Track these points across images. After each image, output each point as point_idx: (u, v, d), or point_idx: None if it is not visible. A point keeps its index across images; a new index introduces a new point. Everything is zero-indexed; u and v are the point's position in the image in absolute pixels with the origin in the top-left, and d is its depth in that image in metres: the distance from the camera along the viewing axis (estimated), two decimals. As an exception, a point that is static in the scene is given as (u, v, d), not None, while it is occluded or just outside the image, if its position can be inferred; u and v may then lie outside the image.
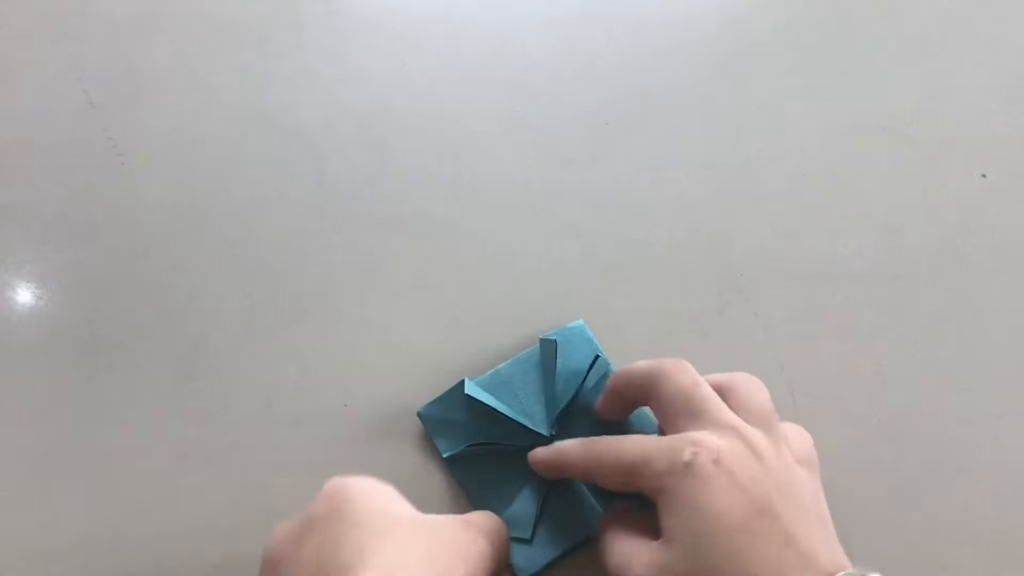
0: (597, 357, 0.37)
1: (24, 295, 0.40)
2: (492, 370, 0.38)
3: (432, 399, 0.37)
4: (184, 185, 0.42)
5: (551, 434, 0.36)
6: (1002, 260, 0.41)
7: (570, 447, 0.33)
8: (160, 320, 0.39)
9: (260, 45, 0.47)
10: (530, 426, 0.36)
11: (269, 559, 0.27)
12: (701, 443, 0.28)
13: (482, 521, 0.29)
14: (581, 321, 0.39)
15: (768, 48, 0.47)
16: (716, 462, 0.28)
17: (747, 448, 0.29)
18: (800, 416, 0.37)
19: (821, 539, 0.27)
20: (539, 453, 0.34)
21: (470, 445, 0.36)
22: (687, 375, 0.31)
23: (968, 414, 0.37)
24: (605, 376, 0.37)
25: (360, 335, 0.39)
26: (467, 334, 0.39)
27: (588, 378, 0.36)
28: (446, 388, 0.37)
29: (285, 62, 0.46)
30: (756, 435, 0.29)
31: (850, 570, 0.26)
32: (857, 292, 0.40)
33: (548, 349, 0.37)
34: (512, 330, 0.39)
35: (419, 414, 0.37)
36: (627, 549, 0.30)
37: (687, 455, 0.28)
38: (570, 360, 0.37)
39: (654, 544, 0.29)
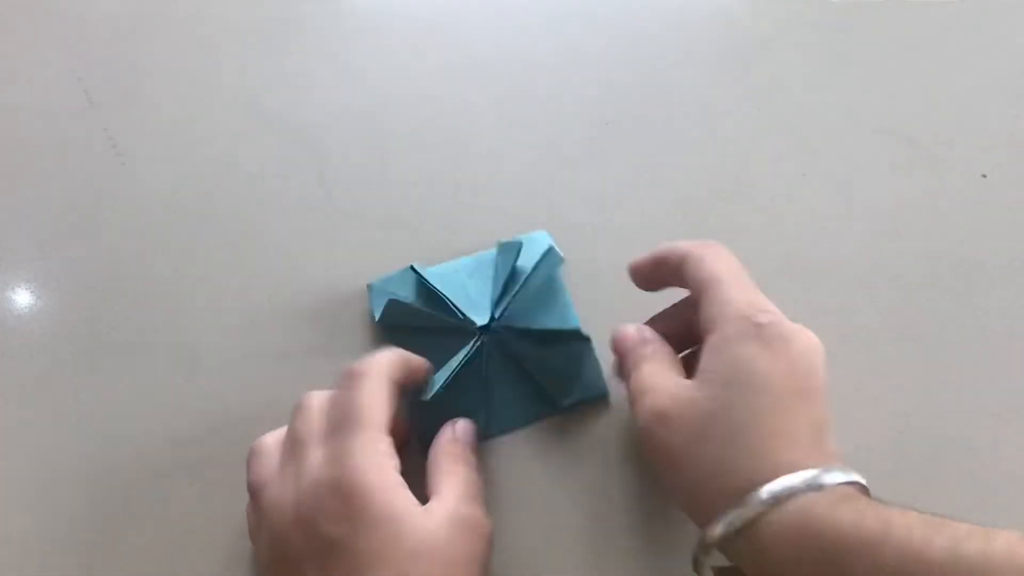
0: (550, 248, 0.38)
1: (24, 295, 0.40)
2: (451, 261, 0.39)
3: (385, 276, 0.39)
4: (184, 185, 0.43)
5: (485, 324, 0.36)
6: (1002, 260, 0.41)
7: (695, 244, 0.33)
8: (160, 320, 0.39)
9: (260, 45, 0.47)
10: (465, 313, 0.37)
11: (285, 556, 0.28)
12: (779, 318, 0.29)
13: (478, 518, 0.30)
14: (545, 232, 0.40)
15: (768, 48, 0.47)
16: (782, 336, 0.28)
17: (813, 341, 0.29)
18: (800, 416, 0.37)
19: (831, 439, 0.28)
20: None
21: (394, 302, 0.36)
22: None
23: (968, 414, 0.37)
24: (551, 270, 0.38)
25: (360, 334, 0.39)
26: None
27: (539, 266, 0.37)
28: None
29: (285, 62, 0.46)
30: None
31: (842, 466, 0.27)
32: (857, 292, 0.40)
33: (509, 250, 0.37)
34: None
35: (369, 286, 0.39)
36: (657, 378, 0.30)
37: (764, 319, 0.29)
38: (526, 261, 0.38)
39: (684, 380, 0.30)
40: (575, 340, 0.37)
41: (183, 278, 0.40)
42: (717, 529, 0.26)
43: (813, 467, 0.26)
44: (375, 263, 0.41)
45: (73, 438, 0.37)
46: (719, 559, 0.28)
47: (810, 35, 0.47)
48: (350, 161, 0.43)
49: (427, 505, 0.29)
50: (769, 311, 0.29)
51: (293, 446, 0.30)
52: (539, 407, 0.37)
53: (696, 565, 0.28)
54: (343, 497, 0.27)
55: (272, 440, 0.31)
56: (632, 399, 0.31)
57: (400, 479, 0.28)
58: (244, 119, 0.44)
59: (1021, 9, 0.48)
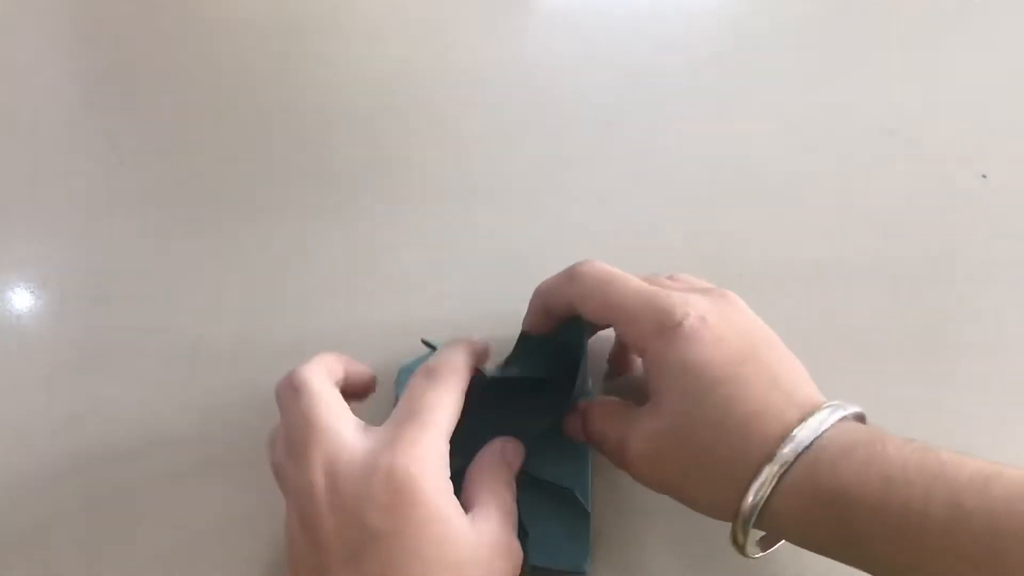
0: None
1: (24, 295, 0.40)
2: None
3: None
4: (183, 185, 0.43)
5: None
6: (1002, 260, 0.41)
7: (562, 280, 0.33)
8: (160, 320, 0.39)
9: (260, 45, 0.47)
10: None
11: (321, 543, 0.27)
12: (688, 304, 0.29)
13: (516, 547, 0.29)
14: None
15: (769, 49, 0.47)
16: (703, 319, 0.28)
17: (732, 305, 0.30)
18: (800, 416, 0.37)
19: (802, 380, 0.29)
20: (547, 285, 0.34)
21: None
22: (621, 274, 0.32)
23: (968, 415, 0.37)
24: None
25: (360, 335, 0.39)
26: (468, 334, 0.39)
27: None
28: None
29: (285, 62, 0.46)
30: (735, 295, 0.31)
31: (827, 404, 0.27)
32: (857, 292, 0.40)
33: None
34: (514, 330, 0.39)
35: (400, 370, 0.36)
36: (621, 426, 0.30)
37: (677, 317, 0.28)
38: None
39: (645, 410, 0.29)
40: (576, 509, 0.33)
41: (183, 278, 0.40)
42: (738, 523, 0.27)
43: (799, 422, 0.26)
44: (375, 263, 0.41)
45: (73, 438, 0.37)
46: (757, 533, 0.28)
47: (810, 35, 0.47)
48: (350, 161, 0.43)
49: (471, 517, 0.28)
50: (673, 308, 0.29)
51: (308, 430, 0.28)
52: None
53: (738, 548, 0.28)
54: (395, 490, 0.26)
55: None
56: (614, 459, 0.31)
57: (451, 486, 0.28)
58: (244, 119, 0.44)
59: (1021, 9, 0.48)
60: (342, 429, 0.28)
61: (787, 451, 0.26)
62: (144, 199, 0.42)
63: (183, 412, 0.37)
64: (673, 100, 0.45)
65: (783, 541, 0.29)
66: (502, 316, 0.39)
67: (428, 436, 0.28)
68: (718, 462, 0.27)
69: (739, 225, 0.42)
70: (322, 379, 0.29)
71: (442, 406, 0.29)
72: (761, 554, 0.30)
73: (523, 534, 0.33)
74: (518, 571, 0.29)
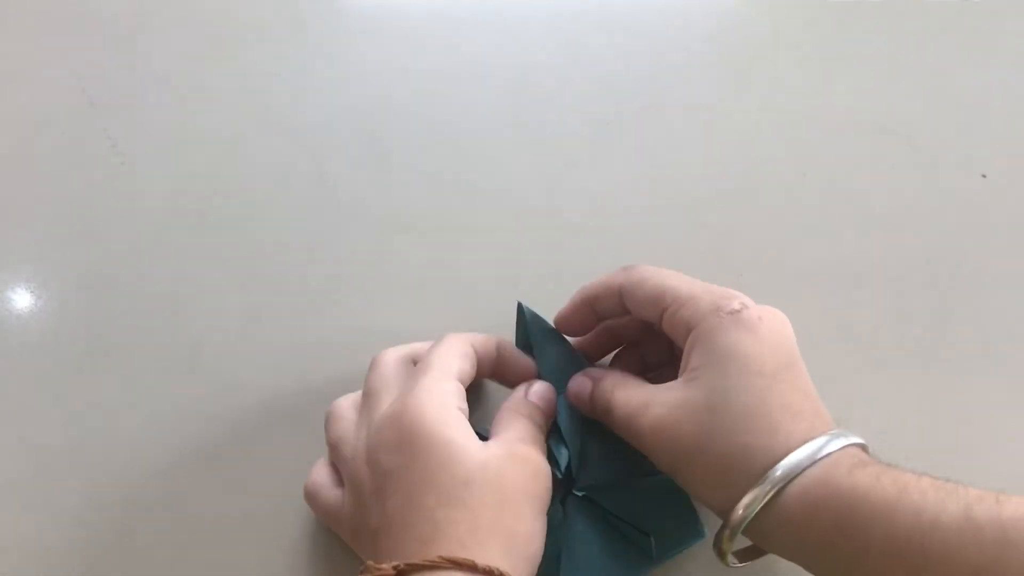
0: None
1: (24, 295, 0.40)
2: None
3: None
4: (184, 185, 0.43)
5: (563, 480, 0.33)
6: (1002, 260, 0.41)
7: (616, 273, 0.33)
8: (160, 320, 0.39)
9: (260, 45, 0.47)
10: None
11: (358, 499, 0.29)
12: (748, 301, 0.30)
13: (533, 457, 0.30)
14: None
15: (768, 48, 0.47)
16: (760, 317, 0.29)
17: (782, 319, 0.31)
18: (800, 416, 0.37)
19: (823, 405, 0.29)
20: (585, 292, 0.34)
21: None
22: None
23: (968, 415, 0.37)
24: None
25: (360, 335, 0.39)
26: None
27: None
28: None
29: (285, 62, 0.46)
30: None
31: (843, 430, 0.28)
32: (857, 292, 0.40)
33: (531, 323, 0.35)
34: (514, 330, 0.39)
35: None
36: (642, 393, 0.30)
37: (736, 305, 0.29)
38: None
39: (673, 384, 0.30)
40: (669, 487, 0.32)
41: (183, 278, 0.40)
42: (739, 512, 0.27)
43: (821, 435, 0.27)
44: (375, 263, 0.41)
45: (73, 438, 0.37)
46: (740, 541, 0.28)
47: (810, 35, 0.47)
48: (350, 161, 0.43)
49: (485, 443, 0.29)
50: (734, 296, 0.30)
51: (367, 398, 0.31)
52: (631, 566, 0.32)
53: (720, 553, 0.29)
54: (400, 429, 0.28)
55: (347, 401, 0.33)
56: (624, 424, 0.30)
57: (461, 416, 0.29)
58: (244, 119, 0.44)
59: (1021, 9, 0.48)
60: (384, 395, 0.30)
61: (808, 452, 0.26)
62: (144, 199, 0.42)
63: (183, 412, 0.37)
64: (673, 100, 0.45)
65: (765, 556, 0.29)
66: (502, 316, 0.39)
67: (428, 377, 0.30)
68: (735, 448, 0.27)
69: (739, 225, 0.42)
70: (396, 354, 0.32)
71: (443, 355, 0.31)
72: (740, 565, 0.29)
73: (644, 538, 0.32)
74: (541, 480, 0.29)
